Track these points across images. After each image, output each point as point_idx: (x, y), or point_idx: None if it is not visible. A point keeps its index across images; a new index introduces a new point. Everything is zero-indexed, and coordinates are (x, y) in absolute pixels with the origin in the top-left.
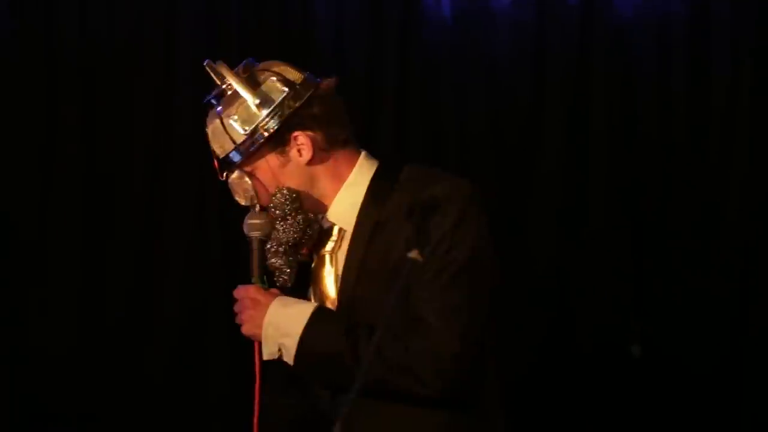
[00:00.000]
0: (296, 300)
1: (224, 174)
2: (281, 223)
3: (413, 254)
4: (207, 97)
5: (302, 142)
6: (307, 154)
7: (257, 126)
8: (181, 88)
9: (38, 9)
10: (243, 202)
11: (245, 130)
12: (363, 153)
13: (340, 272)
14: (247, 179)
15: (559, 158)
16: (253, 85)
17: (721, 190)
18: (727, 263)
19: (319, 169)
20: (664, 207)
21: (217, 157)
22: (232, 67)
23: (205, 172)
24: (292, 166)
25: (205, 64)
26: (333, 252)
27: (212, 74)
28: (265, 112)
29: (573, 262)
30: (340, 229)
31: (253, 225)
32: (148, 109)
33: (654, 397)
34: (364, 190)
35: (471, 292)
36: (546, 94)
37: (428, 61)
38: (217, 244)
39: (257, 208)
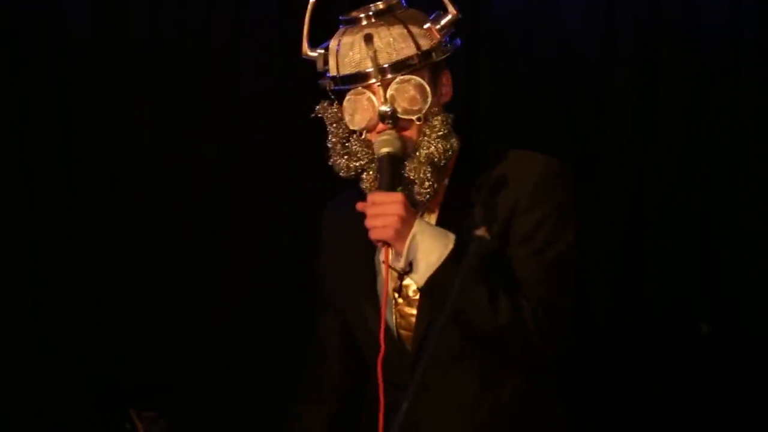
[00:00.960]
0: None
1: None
2: (430, 141)
3: (480, 232)
4: (364, 10)
5: (446, 83)
6: (447, 95)
7: (436, 44)
8: (248, 76)
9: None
10: (396, 108)
11: (431, 41)
12: None
13: None
14: (418, 84)
15: (628, 134)
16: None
17: None
18: None
19: None
20: (734, 182)
21: (377, 65)
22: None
23: (275, 159)
24: (435, 100)
25: None
26: (419, 216)
27: None
28: (443, 41)
29: (641, 238)
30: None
31: (384, 141)
32: (217, 98)
33: (724, 375)
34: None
35: (572, 272)
36: (615, 70)
37: (497, 37)
38: (286, 232)
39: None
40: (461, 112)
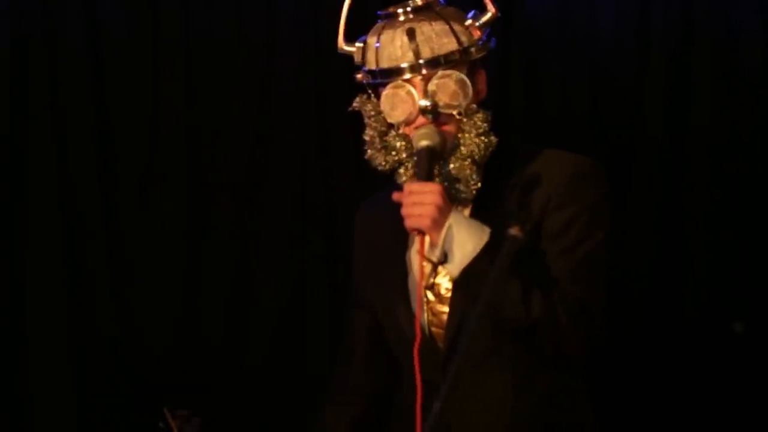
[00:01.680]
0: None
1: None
2: (471, 138)
3: (514, 231)
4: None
5: (481, 81)
6: (482, 93)
7: (475, 42)
8: (280, 76)
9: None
10: (434, 104)
11: (471, 39)
12: None
13: None
14: (460, 79)
15: (662, 132)
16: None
17: None
18: None
19: None
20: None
21: (419, 59)
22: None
23: (308, 159)
24: (473, 97)
25: None
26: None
27: None
28: (481, 40)
29: (675, 236)
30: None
31: (424, 134)
32: (250, 98)
33: (758, 374)
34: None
35: (603, 270)
36: (648, 68)
37: (531, 36)
38: (319, 233)
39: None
40: (494, 110)
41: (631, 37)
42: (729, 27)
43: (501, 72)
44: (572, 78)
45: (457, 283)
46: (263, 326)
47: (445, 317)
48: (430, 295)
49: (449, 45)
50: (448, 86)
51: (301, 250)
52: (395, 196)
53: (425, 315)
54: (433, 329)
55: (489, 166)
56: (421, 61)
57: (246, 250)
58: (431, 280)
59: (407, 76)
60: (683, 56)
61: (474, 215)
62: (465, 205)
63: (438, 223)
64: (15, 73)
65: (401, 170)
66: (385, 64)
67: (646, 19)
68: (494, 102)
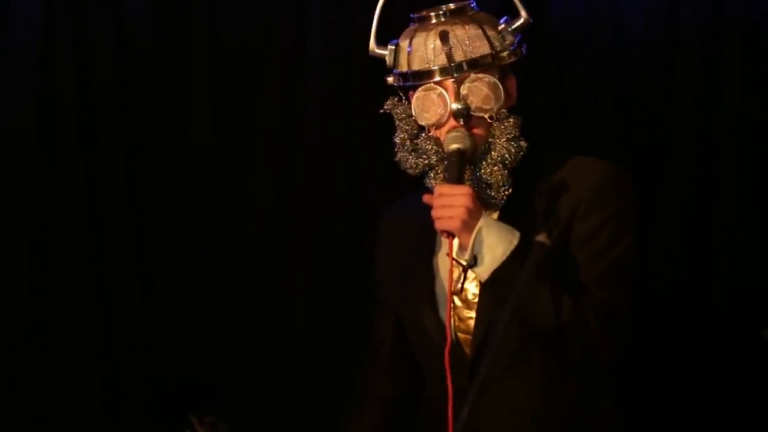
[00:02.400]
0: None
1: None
2: (501, 143)
3: (541, 238)
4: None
5: (512, 86)
6: (513, 99)
7: (508, 46)
8: (308, 77)
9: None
10: (465, 108)
11: (504, 43)
12: None
13: None
14: (492, 82)
15: (692, 134)
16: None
17: None
18: None
19: None
20: None
21: (453, 62)
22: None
23: (336, 160)
24: (504, 102)
25: None
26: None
27: None
28: (513, 45)
29: (702, 241)
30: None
31: (455, 137)
32: (278, 99)
33: None
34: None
35: (631, 274)
36: (677, 69)
37: (557, 39)
38: (346, 236)
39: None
40: (522, 115)
41: (658, 37)
42: (758, 27)
43: (527, 74)
44: (599, 80)
45: (486, 286)
46: (291, 330)
47: (471, 322)
48: (457, 301)
49: (482, 49)
50: (481, 90)
51: (329, 251)
52: (425, 198)
53: (452, 321)
54: (460, 335)
55: (517, 171)
56: (453, 64)
57: (274, 252)
58: (459, 284)
59: (439, 78)
60: (712, 57)
61: (502, 220)
62: (493, 210)
63: (468, 225)
64: (42, 74)
65: (431, 174)
66: (416, 67)
67: (673, 19)
68: (522, 107)
